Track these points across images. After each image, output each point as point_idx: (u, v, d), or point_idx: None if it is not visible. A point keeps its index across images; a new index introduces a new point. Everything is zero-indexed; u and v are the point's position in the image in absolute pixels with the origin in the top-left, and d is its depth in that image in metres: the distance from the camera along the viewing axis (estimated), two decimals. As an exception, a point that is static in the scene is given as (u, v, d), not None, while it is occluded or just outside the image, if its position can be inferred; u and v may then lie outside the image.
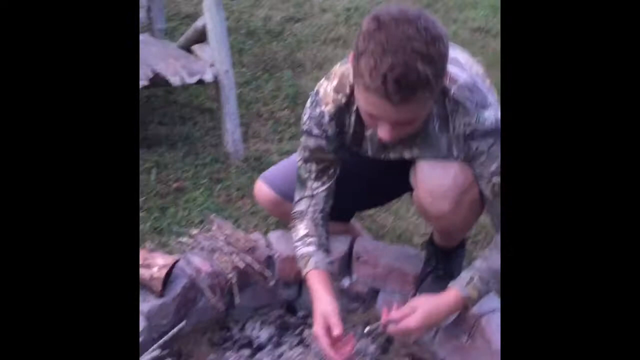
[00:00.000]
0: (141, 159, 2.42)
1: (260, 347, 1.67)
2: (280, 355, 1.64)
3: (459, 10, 4.42)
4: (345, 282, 1.80)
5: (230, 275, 1.67)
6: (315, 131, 1.46)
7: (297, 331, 1.73)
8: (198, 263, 1.69)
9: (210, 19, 2.45)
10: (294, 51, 3.58)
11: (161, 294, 1.56)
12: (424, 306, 1.44)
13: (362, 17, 4.07)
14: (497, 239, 1.45)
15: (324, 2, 4.42)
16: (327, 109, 1.42)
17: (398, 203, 2.34)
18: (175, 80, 2.35)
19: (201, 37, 2.64)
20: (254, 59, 3.42)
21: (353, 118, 1.42)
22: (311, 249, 1.56)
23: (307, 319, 1.78)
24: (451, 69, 1.30)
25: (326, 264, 1.56)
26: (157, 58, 2.44)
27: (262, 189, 1.76)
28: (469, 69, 1.37)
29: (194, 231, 1.78)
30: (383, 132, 1.24)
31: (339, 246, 1.79)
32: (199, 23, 2.58)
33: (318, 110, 1.44)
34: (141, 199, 2.21)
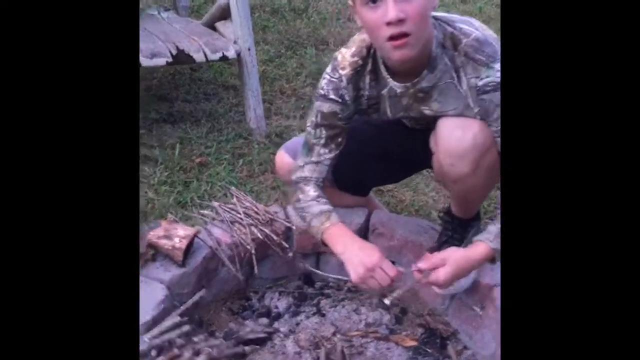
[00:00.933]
0: (165, 135, 2.49)
1: (278, 316, 1.72)
2: (297, 324, 1.69)
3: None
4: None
5: (249, 247, 1.72)
6: (332, 95, 1.50)
7: (315, 301, 1.78)
8: (219, 234, 1.74)
9: (233, -4, 2.48)
10: (318, 29, 3.60)
11: (182, 264, 1.62)
12: (454, 257, 1.42)
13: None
14: None
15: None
16: (345, 72, 1.47)
17: (418, 178, 2.36)
18: (198, 57, 2.39)
19: (224, 14, 2.67)
20: (278, 36, 3.45)
21: (368, 79, 1.47)
22: (329, 207, 1.58)
23: (323, 290, 1.83)
24: (464, 25, 1.38)
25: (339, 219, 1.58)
26: (181, 35, 2.48)
27: (283, 157, 1.79)
28: (482, 30, 1.41)
29: (215, 203, 1.83)
30: (389, 10, 1.26)
31: (356, 219, 1.82)
32: (222, 0, 2.61)
33: (337, 74, 1.48)
34: (165, 173, 2.27)
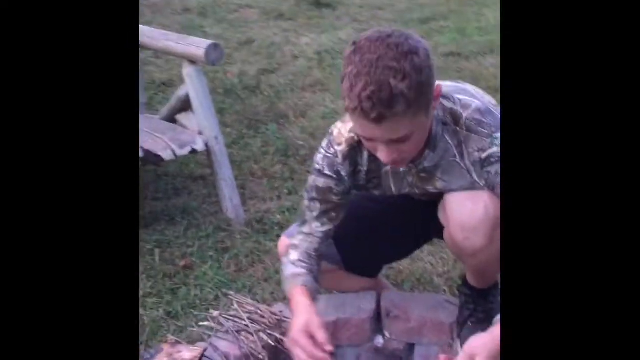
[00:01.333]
0: (142, 240, 2.34)
1: None
2: None
3: (426, 38, 4.47)
4: (379, 341, 1.72)
5: (261, 356, 1.58)
6: (327, 171, 1.46)
7: (338, 402, 1.65)
8: (225, 347, 1.60)
9: (192, 86, 2.41)
10: (275, 103, 3.55)
11: (193, 390, 1.47)
12: (484, 350, 1.28)
13: (333, 59, 4.17)
14: None
15: (295, 48, 4.43)
16: (341, 148, 1.43)
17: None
18: (166, 155, 2.29)
19: (184, 105, 2.59)
20: (236, 117, 3.39)
21: (366, 156, 1.43)
22: (303, 271, 1.52)
23: (345, 387, 1.70)
24: (462, 96, 1.35)
25: (314, 288, 1.52)
26: (144, 134, 2.38)
27: (283, 241, 1.71)
28: (481, 97, 1.39)
29: (215, 313, 1.70)
30: (381, 154, 1.26)
31: (366, 305, 1.72)
32: (181, 92, 2.54)
33: (332, 150, 1.44)
34: (149, 284, 2.13)
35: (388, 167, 1.43)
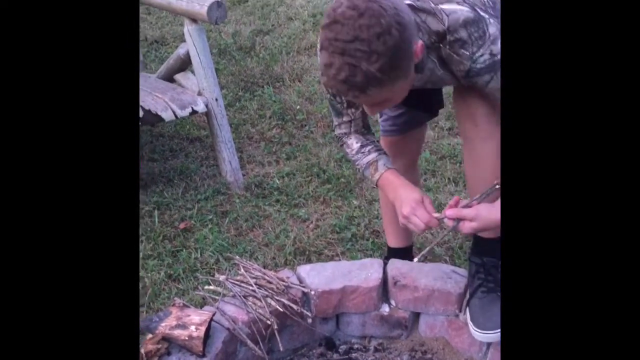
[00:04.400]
0: (140, 202, 2.30)
1: (310, 392, 1.59)
2: (333, 398, 1.57)
3: None
4: (385, 309, 1.72)
5: (270, 321, 1.58)
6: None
7: (343, 368, 1.66)
8: (233, 312, 1.59)
9: (193, 45, 2.34)
10: (270, 65, 3.49)
11: (203, 354, 1.46)
12: (484, 217, 1.39)
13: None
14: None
15: (289, 10, 4.33)
16: None
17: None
18: (167, 115, 2.23)
19: (183, 65, 2.53)
20: (232, 78, 3.32)
21: None
22: (374, 154, 1.59)
23: (350, 354, 1.71)
24: (448, 5, 1.32)
25: (390, 163, 1.58)
26: (143, 93, 2.32)
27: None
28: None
29: (221, 277, 1.68)
30: (366, 110, 1.35)
31: (373, 273, 1.72)
32: (181, 50, 2.47)
33: None
34: (149, 245, 2.10)
35: None
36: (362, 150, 1.59)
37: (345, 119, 1.59)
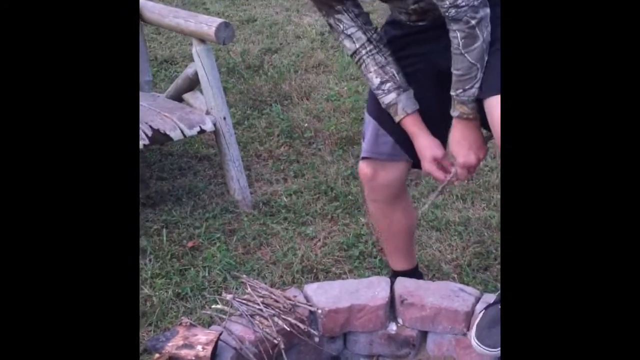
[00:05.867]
0: (148, 220, 2.32)
1: (317, 412, 1.58)
2: (341, 418, 1.56)
3: None
4: (392, 328, 1.72)
5: (277, 340, 1.57)
6: None
7: (351, 387, 1.65)
8: (240, 331, 1.59)
9: (201, 65, 2.37)
10: (278, 83, 3.51)
11: (210, 373, 1.46)
12: (456, 144, 1.49)
13: (336, 40, 4.13)
14: (452, 32, 1.43)
15: (297, 29, 4.37)
16: None
17: (418, 231, 2.28)
18: (175, 135, 2.25)
19: (192, 84, 2.55)
20: (240, 96, 3.35)
21: None
22: (393, 95, 1.55)
23: (357, 372, 1.70)
24: None
25: (412, 103, 1.56)
26: (152, 113, 2.34)
27: (361, 166, 1.72)
28: None
29: (228, 296, 1.68)
30: None
31: (380, 292, 1.71)
32: (189, 70, 2.49)
33: None
34: (157, 264, 2.11)
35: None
36: (382, 88, 1.55)
37: (347, 15, 1.53)
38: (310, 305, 1.67)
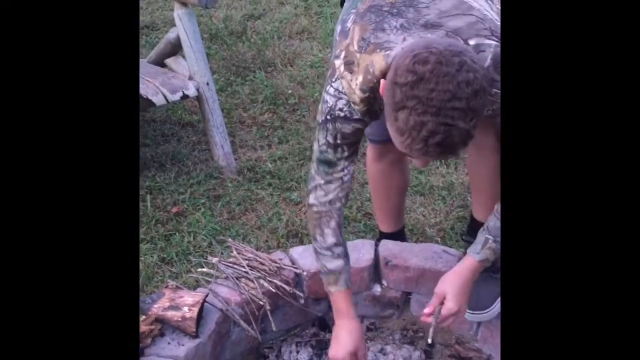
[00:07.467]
0: (132, 186, 2.31)
1: (303, 371, 1.60)
2: (326, 377, 1.58)
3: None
4: (377, 289, 1.74)
5: (262, 302, 1.59)
6: (355, 116, 1.35)
7: (336, 348, 1.67)
8: (226, 293, 1.60)
9: (183, 29, 2.33)
10: (261, 50, 3.47)
11: (196, 334, 1.48)
12: (452, 286, 1.43)
13: (320, 7, 4.09)
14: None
15: (280, -6, 4.31)
16: (358, 108, 1.33)
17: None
18: (158, 100, 2.23)
19: (174, 49, 2.52)
20: (223, 62, 3.31)
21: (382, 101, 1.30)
22: (340, 263, 1.48)
23: (342, 333, 1.72)
24: (475, 41, 1.19)
25: (350, 279, 1.51)
26: (134, 78, 2.31)
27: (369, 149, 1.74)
28: (490, 21, 1.23)
29: (214, 259, 1.69)
30: (417, 164, 1.24)
31: (365, 254, 1.73)
32: (171, 35, 2.46)
33: (346, 102, 1.33)
34: (142, 229, 2.10)
35: None
36: (333, 250, 1.47)
37: (337, 175, 1.43)
38: (295, 268, 1.68)
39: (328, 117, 1.37)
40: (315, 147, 1.44)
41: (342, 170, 1.43)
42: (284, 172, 2.44)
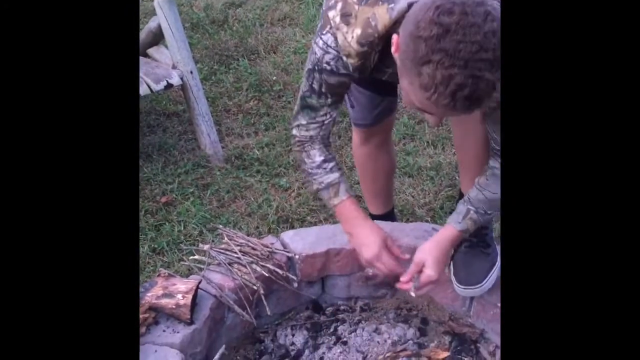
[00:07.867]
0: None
1: (299, 354, 1.61)
2: (322, 359, 1.59)
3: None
4: (369, 270, 1.75)
5: (256, 287, 1.59)
6: (342, 71, 1.34)
7: (331, 329, 1.68)
8: (219, 279, 1.60)
9: (164, 17, 2.31)
10: (244, 38, 3.45)
11: (191, 321, 1.48)
12: (430, 254, 1.45)
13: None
14: (492, 164, 1.41)
15: (261, -19, 4.28)
16: (352, 61, 1.30)
17: (394, 178, 2.30)
18: (142, 90, 2.21)
19: (156, 39, 2.50)
20: (206, 52, 3.29)
21: (376, 57, 1.31)
22: (336, 174, 1.49)
23: (336, 315, 1.73)
24: None
25: (350, 187, 1.52)
26: (117, 69, 2.29)
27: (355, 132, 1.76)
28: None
29: (205, 247, 1.69)
30: (432, 121, 1.19)
31: (356, 235, 1.73)
32: (152, 24, 2.44)
33: (339, 56, 1.31)
34: (131, 221, 2.09)
35: (391, 69, 1.34)
36: (324, 166, 1.47)
37: (318, 118, 1.44)
38: (287, 252, 1.69)
39: (315, 67, 1.35)
40: (301, 91, 1.44)
41: (325, 115, 1.44)
42: (272, 159, 2.44)
